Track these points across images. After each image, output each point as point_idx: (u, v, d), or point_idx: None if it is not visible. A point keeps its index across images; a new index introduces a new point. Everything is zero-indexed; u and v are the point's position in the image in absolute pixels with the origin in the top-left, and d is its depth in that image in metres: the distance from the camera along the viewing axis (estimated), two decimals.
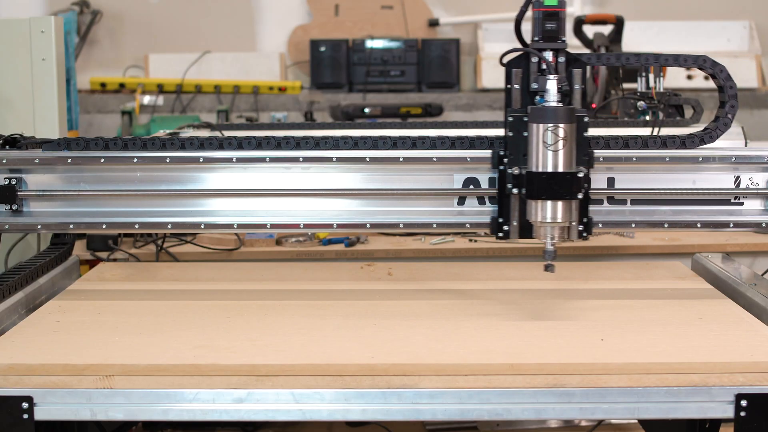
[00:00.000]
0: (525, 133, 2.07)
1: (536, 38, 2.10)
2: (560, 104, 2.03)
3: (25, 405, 1.77)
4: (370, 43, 5.64)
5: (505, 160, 2.12)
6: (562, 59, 2.11)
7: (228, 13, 5.87)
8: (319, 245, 3.24)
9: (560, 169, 2.03)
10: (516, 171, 2.08)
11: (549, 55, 2.10)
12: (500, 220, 2.16)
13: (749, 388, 1.79)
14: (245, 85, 5.48)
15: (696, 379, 1.80)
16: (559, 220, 2.06)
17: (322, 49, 5.62)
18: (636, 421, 2.84)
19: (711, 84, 5.58)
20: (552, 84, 2.03)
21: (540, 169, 2.03)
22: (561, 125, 2.01)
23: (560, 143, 2.01)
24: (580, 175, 2.04)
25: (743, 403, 1.78)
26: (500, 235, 2.16)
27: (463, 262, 3.12)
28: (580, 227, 2.14)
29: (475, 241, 3.27)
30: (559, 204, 2.05)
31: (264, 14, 5.90)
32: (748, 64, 5.63)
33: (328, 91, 5.60)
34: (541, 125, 2.02)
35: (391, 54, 5.61)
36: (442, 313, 2.20)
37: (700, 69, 2.22)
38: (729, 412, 1.79)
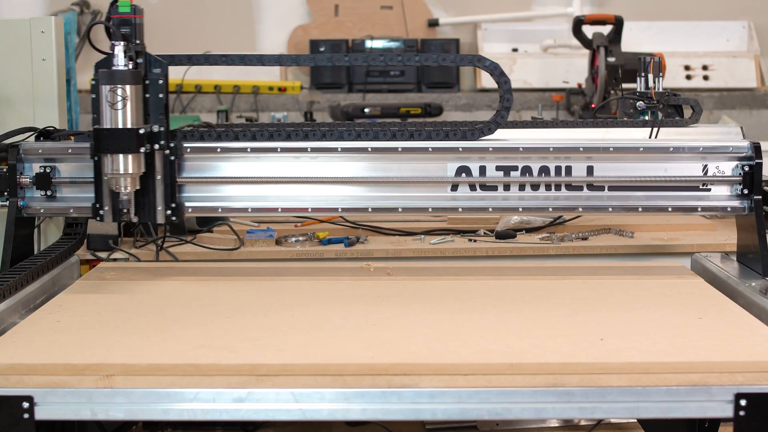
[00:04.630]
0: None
1: (114, 42, 2.29)
2: (126, 68, 2.27)
3: (25, 405, 1.77)
4: (370, 44, 5.65)
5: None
6: (141, 60, 2.33)
7: (228, 13, 5.87)
8: (319, 245, 3.25)
9: (127, 125, 2.26)
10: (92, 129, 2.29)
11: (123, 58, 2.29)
12: (97, 205, 2.39)
13: (749, 387, 1.79)
14: (245, 85, 5.48)
15: (695, 379, 1.80)
16: (129, 171, 2.28)
17: (322, 49, 5.62)
18: (635, 420, 2.84)
19: (710, 84, 5.59)
20: (119, 49, 2.27)
21: (107, 126, 2.26)
22: (125, 86, 2.24)
23: (121, 103, 2.23)
24: (142, 131, 2.27)
25: (742, 402, 1.78)
26: (98, 219, 2.40)
27: (463, 262, 3.12)
28: (168, 211, 2.42)
29: (475, 241, 3.28)
30: (126, 158, 2.27)
31: (264, 14, 5.90)
32: (747, 64, 5.64)
33: (328, 91, 5.60)
34: (106, 86, 2.25)
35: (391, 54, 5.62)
36: (442, 313, 2.20)
37: (478, 67, 2.44)
38: (728, 411, 1.79)
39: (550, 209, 2.48)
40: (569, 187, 2.46)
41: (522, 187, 2.46)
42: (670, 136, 3.20)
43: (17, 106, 3.02)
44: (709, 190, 2.47)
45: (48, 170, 2.43)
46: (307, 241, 3.25)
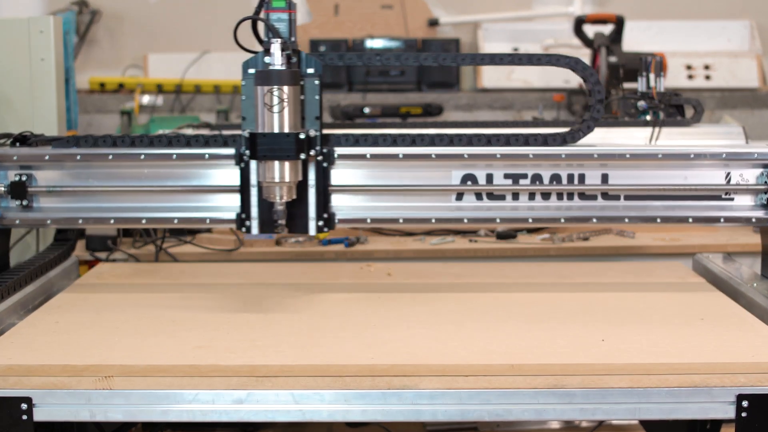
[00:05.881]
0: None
1: (266, 39, 2.17)
2: (284, 68, 2.10)
3: (24, 406, 1.76)
4: (370, 43, 5.63)
5: (245, 156, 2.15)
6: (294, 59, 2.18)
7: (228, 13, 5.85)
8: (318, 245, 3.24)
9: (285, 130, 2.10)
10: (246, 133, 2.12)
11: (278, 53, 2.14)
12: (243, 215, 2.24)
13: (750, 388, 1.78)
14: None
15: (697, 380, 1.80)
16: (286, 180, 2.13)
17: (322, 48, 5.61)
18: (637, 421, 2.83)
19: (712, 84, 5.58)
20: (276, 47, 2.10)
21: (263, 131, 2.10)
22: (282, 87, 2.08)
23: (279, 105, 2.08)
24: (302, 136, 2.11)
25: (744, 403, 1.77)
26: (244, 230, 2.24)
27: (463, 262, 3.12)
28: (320, 222, 2.25)
29: (475, 241, 3.27)
30: (282, 164, 2.12)
31: None
32: (749, 63, 5.62)
33: (328, 90, 5.59)
34: (262, 87, 2.09)
35: (391, 54, 5.60)
36: (442, 314, 2.20)
37: (573, 70, 2.27)
38: (730, 412, 1.78)
39: (562, 220, 2.30)
40: (582, 196, 2.29)
41: (532, 196, 2.29)
42: (672, 136, 3.18)
43: (16, 106, 3.01)
44: (732, 199, 2.30)
45: (24, 178, 2.26)
46: (306, 242, 3.24)
